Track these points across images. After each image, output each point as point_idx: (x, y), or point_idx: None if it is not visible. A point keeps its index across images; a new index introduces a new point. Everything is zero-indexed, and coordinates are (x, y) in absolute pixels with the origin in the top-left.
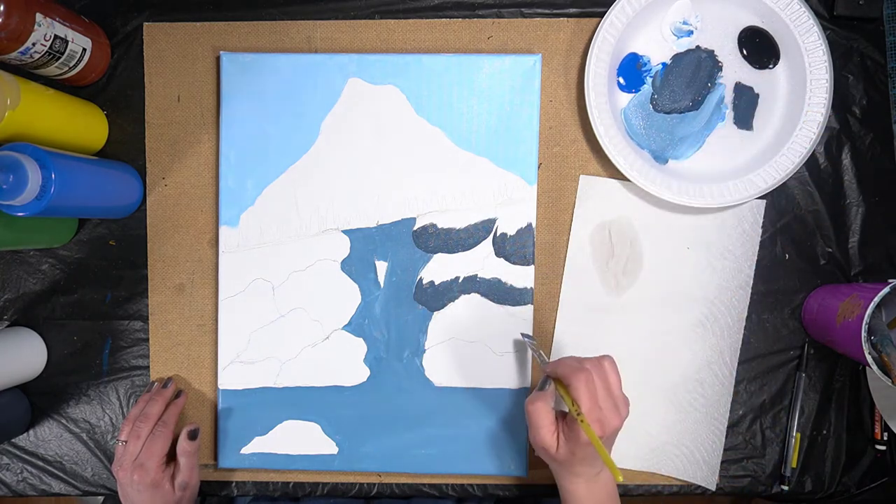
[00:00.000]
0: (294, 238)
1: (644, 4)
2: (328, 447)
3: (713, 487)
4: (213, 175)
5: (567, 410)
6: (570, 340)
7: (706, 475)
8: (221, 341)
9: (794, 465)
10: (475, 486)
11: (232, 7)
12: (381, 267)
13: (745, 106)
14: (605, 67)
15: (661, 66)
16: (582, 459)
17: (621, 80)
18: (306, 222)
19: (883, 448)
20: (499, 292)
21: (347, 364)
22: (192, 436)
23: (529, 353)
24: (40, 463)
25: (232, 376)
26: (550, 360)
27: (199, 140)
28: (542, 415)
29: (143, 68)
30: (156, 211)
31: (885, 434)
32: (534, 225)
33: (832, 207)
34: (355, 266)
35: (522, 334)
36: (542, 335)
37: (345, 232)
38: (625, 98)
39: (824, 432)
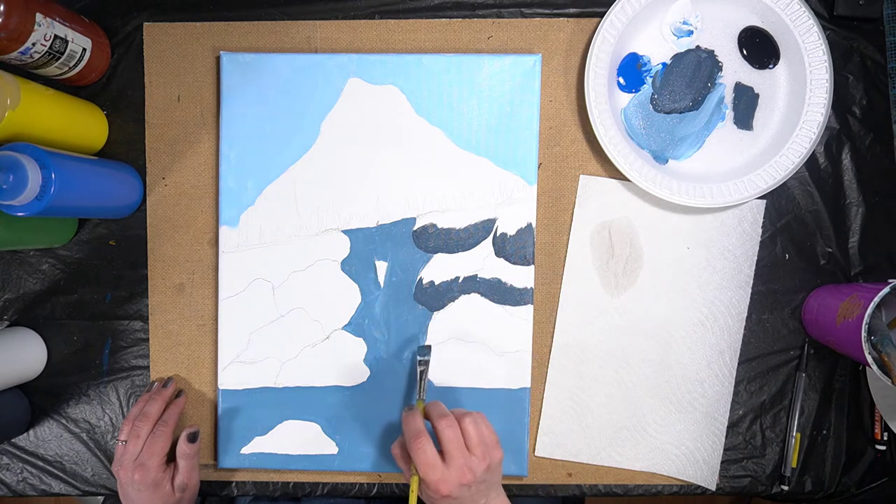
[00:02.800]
0: (294, 238)
1: (644, 4)
2: (328, 447)
3: (713, 487)
4: (213, 175)
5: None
6: (570, 340)
7: (706, 475)
8: (221, 341)
9: (794, 465)
10: None
11: (232, 7)
12: (381, 267)
13: (745, 106)
14: (605, 67)
15: (661, 66)
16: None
17: (621, 80)
18: (306, 222)
19: (883, 448)
20: (499, 292)
21: (347, 364)
22: (192, 438)
23: (527, 357)
24: (40, 463)
25: (232, 376)
26: (552, 360)
27: (199, 140)
28: (400, 459)
29: (143, 68)
30: (156, 211)
31: (885, 434)
32: (534, 225)
33: (832, 207)
34: (355, 266)
35: (419, 348)
36: (542, 335)
37: (345, 232)
38: (625, 98)
39: (824, 432)
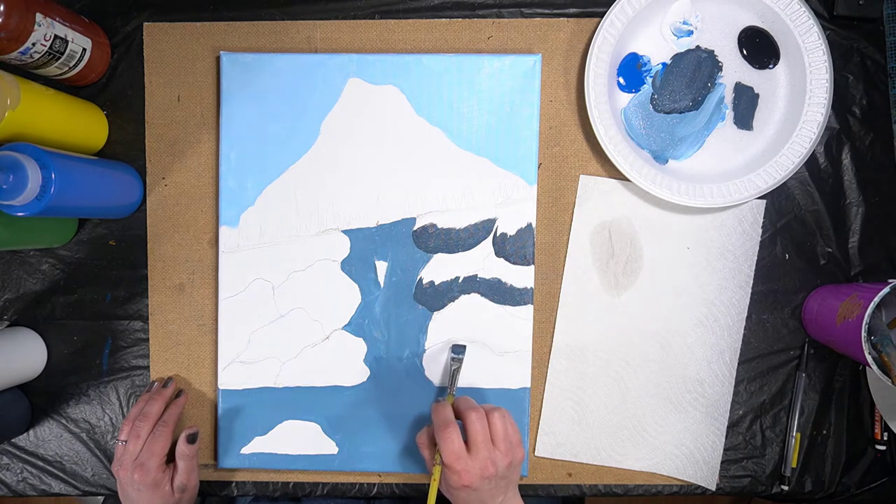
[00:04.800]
0: (294, 238)
1: (644, 4)
2: (328, 447)
3: (713, 487)
4: (213, 175)
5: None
6: (570, 340)
7: (706, 475)
8: (221, 341)
9: (794, 465)
10: None
11: (232, 7)
12: (381, 267)
13: (745, 106)
14: (605, 67)
15: (661, 66)
16: (466, 502)
17: (621, 80)
18: (306, 222)
19: (883, 448)
20: (499, 292)
21: (347, 364)
22: (191, 439)
23: (527, 357)
24: (40, 463)
25: (232, 376)
26: (552, 360)
27: (199, 140)
28: (424, 448)
29: (143, 68)
30: (156, 211)
31: (885, 434)
32: (534, 225)
33: (832, 207)
34: (355, 266)
35: (453, 346)
36: (542, 335)
37: (345, 232)
38: (625, 98)
39: (824, 432)
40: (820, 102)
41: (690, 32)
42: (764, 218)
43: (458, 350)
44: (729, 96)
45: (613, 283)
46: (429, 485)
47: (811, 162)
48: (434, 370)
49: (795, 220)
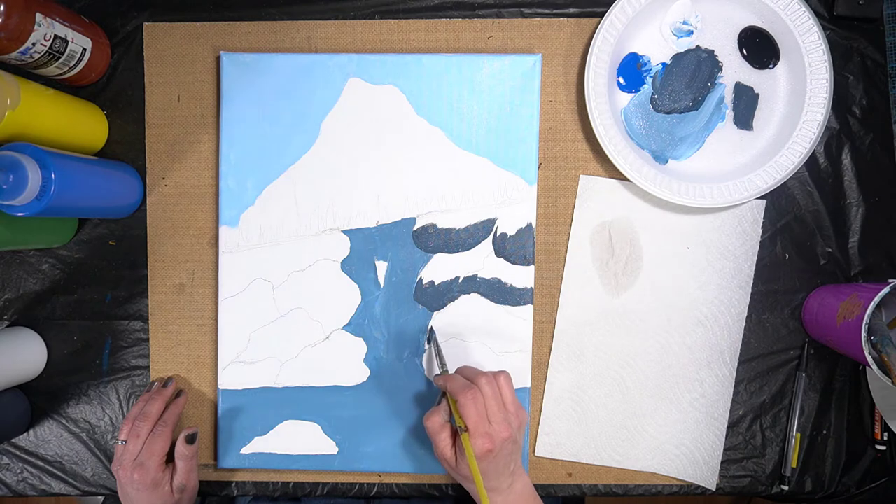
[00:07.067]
0: (294, 238)
1: (644, 4)
2: (328, 447)
3: (713, 487)
4: (213, 175)
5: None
6: (570, 340)
7: (706, 475)
8: (221, 341)
9: (794, 465)
10: None
11: (232, 7)
12: (381, 267)
13: (745, 106)
14: (605, 67)
15: (661, 66)
16: (485, 473)
17: (621, 80)
18: (306, 222)
19: (883, 448)
20: (499, 292)
21: (347, 364)
22: (190, 440)
23: (527, 357)
24: (40, 463)
25: (232, 376)
26: (552, 360)
27: (199, 140)
28: (438, 429)
29: (143, 68)
30: (156, 211)
31: (885, 434)
32: (534, 225)
33: (832, 207)
34: (355, 266)
35: (430, 329)
36: (542, 335)
37: (345, 232)
38: (625, 98)
39: (824, 432)
40: (820, 102)
41: (690, 32)
42: (764, 218)
43: (430, 337)
44: (729, 96)
45: (613, 283)
46: (442, 470)
47: (811, 162)
48: (434, 370)
49: (795, 220)
